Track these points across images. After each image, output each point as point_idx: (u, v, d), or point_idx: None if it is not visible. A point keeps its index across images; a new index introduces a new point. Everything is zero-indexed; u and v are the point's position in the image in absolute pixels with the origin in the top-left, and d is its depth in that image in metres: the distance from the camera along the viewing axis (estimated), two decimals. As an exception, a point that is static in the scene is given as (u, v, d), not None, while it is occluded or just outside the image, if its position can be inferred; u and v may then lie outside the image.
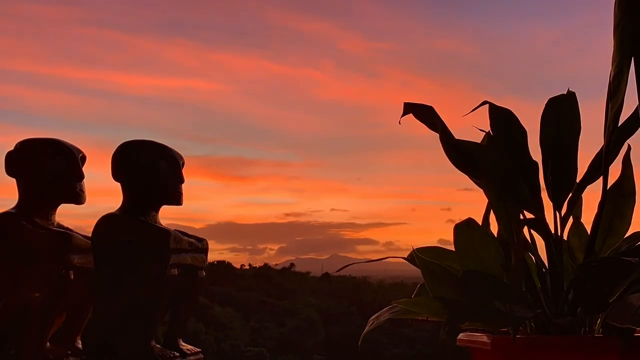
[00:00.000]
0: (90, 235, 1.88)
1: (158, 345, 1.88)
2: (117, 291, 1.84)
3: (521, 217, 1.63)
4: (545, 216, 1.63)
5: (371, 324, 1.64)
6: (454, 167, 1.69)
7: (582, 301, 1.53)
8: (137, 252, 1.84)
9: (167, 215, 2.01)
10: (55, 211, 1.95)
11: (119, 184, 1.97)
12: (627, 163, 1.68)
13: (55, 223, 1.94)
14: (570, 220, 1.67)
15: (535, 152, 1.64)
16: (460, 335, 1.64)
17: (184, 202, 1.99)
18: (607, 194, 1.58)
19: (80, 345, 1.93)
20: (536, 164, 1.63)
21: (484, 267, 1.58)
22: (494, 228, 1.70)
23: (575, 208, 1.66)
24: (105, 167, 1.98)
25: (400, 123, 1.70)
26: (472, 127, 1.74)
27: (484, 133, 1.72)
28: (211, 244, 2.04)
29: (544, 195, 1.65)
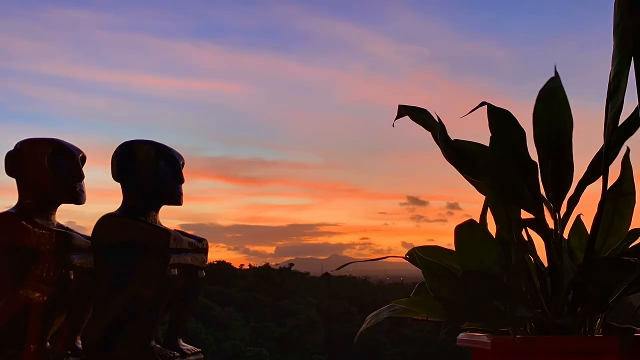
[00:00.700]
0: (90, 235, 1.88)
1: (158, 345, 1.88)
2: (117, 291, 1.84)
3: (521, 217, 1.63)
4: (545, 216, 1.63)
5: (368, 322, 1.64)
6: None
7: (582, 301, 1.53)
8: (137, 252, 1.84)
9: (167, 215, 2.02)
10: (55, 211, 1.95)
11: (119, 184, 1.97)
12: (626, 163, 1.68)
13: (55, 223, 1.94)
14: (570, 220, 1.67)
15: (533, 151, 1.64)
16: (460, 335, 1.64)
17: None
18: (607, 194, 1.58)
19: (80, 345, 1.93)
20: (535, 164, 1.62)
21: (484, 267, 1.58)
22: (492, 228, 1.70)
23: (575, 208, 1.66)
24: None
25: (394, 125, 1.73)
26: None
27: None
28: (213, 245, 2.04)
29: (544, 195, 1.65)
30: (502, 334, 1.55)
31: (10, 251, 1.82)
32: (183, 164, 2.02)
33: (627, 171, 1.68)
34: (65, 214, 1.99)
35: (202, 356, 2.00)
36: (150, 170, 1.94)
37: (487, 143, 1.66)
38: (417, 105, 1.74)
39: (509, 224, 1.61)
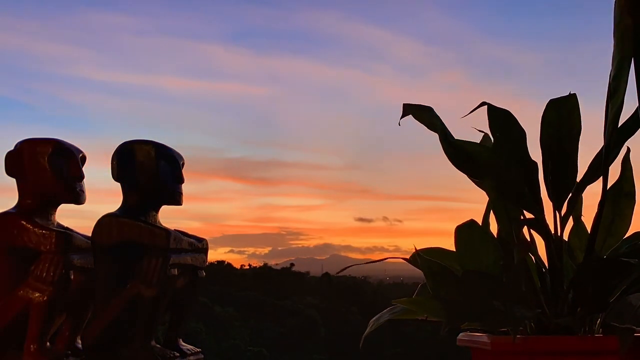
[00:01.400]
0: (90, 235, 1.88)
1: (158, 345, 1.88)
2: (117, 291, 1.84)
3: (521, 217, 1.63)
4: (545, 216, 1.63)
5: (372, 326, 1.64)
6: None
7: (582, 301, 1.53)
8: (137, 252, 1.84)
9: (167, 215, 2.02)
10: (55, 211, 1.95)
11: (118, 184, 1.97)
12: (626, 163, 1.68)
13: (55, 223, 1.94)
14: (570, 220, 1.67)
15: (535, 153, 1.64)
16: (460, 335, 1.64)
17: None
18: (607, 194, 1.58)
19: (80, 345, 1.94)
20: (536, 164, 1.62)
21: (484, 267, 1.58)
22: (494, 228, 1.70)
23: (576, 208, 1.66)
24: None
25: (400, 124, 1.71)
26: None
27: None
28: (213, 246, 2.04)
29: (544, 195, 1.65)
30: (502, 334, 1.55)
31: (10, 251, 1.82)
32: (183, 164, 2.02)
33: (627, 171, 1.68)
34: (65, 214, 1.99)
35: (202, 356, 2.00)
36: (150, 170, 1.94)
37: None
38: (423, 104, 1.71)
39: (510, 224, 1.61)
